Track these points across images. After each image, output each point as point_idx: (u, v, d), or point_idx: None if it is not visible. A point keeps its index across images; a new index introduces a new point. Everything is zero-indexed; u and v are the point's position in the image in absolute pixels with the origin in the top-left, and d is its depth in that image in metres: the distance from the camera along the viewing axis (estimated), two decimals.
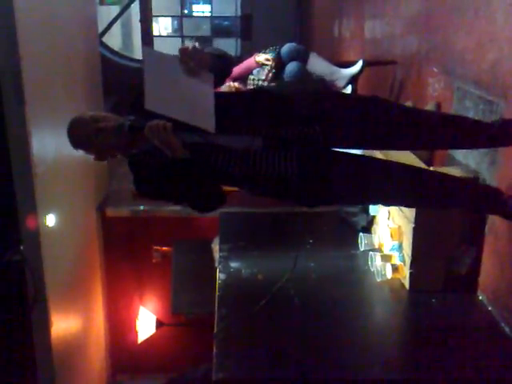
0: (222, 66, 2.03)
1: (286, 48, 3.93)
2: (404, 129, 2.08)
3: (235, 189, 4.17)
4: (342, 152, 2.06)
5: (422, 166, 2.46)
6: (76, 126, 1.92)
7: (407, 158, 2.50)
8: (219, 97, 1.96)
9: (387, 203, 2.39)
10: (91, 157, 2.07)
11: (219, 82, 2.06)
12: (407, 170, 2.16)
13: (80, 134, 1.91)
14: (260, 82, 3.71)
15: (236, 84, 3.85)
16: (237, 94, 2.08)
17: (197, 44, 1.91)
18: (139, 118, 1.89)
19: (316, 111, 2.00)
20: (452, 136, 2.16)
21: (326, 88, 2.16)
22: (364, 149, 2.23)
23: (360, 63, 3.92)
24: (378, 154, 2.45)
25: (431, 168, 2.58)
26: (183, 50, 1.86)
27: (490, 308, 2.47)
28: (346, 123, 2.03)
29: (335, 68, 4.00)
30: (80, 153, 2.02)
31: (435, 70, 3.18)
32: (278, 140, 1.97)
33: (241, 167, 1.95)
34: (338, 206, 3.39)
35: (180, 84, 1.88)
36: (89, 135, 1.89)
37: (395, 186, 2.08)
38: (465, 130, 2.15)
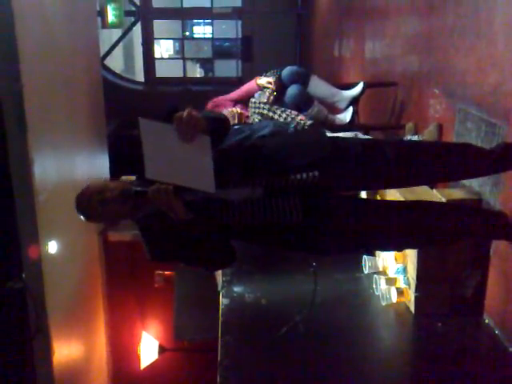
0: (218, 128, 2.07)
1: (287, 71, 3.95)
2: (403, 169, 2.10)
3: None
4: (344, 197, 2.10)
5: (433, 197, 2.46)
6: (82, 200, 1.97)
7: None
8: (217, 153, 2.00)
9: (391, 247, 2.37)
10: (92, 177, 2.10)
11: (218, 142, 2.08)
12: (411, 209, 2.17)
13: (87, 207, 1.96)
14: (262, 105, 3.71)
15: (238, 109, 3.86)
16: (234, 149, 2.12)
17: (192, 111, 1.93)
18: (144, 182, 1.94)
19: (314, 160, 2.03)
20: (453, 171, 2.17)
21: (321, 137, 2.16)
22: (365, 190, 2.24)
23: (361, 85, 3.93)
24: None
25: (434, 192, 2.57)
26: (178, 119, 1.90)
27: (496, 331, 2.44)
28: (344, 169, 2.06)
29: (336, 90, 4.01)
30: (81, 174, 2.06)
31: (436, 91, 3.18)
32: (278, 188, 2.00)
33: (245, 219, 1.98)
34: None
35: (177, 150, 1.94)
36: (95, 207, 1.94)
37: (398, 228, 2.10)
38: (467, 163, 2.15)
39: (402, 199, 2.57)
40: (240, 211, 1.97)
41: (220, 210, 1.97)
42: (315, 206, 2.01)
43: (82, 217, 2.00)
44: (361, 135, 3.27)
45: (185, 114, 1.89)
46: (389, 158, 2.07)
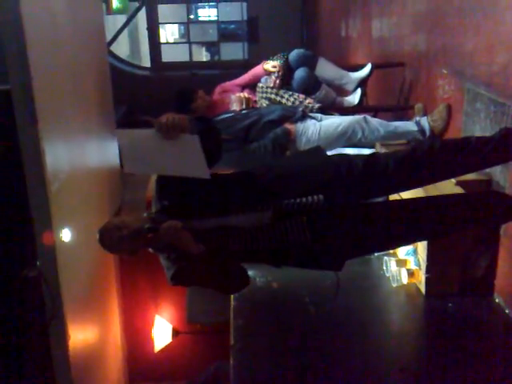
0: (207, 129, 2.13)
1: (294, 54, 3.94)
2: (406, 179, 2.16)
3: None
4: (348, 208, 2.14)
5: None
6: (103, 234, 2.09)
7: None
8: (221, 180, 2.13)
9: (405, 242, 2.43)
10: (105, 172, 2.19)
11: (213, 159, 2.13)
12: (418, 203, 2.20)
13: (107, 241, 2.08)
14: (269, 90, 3.71)
15: (246, 94, 3.86)
16: (233, 177, 2.24)
17: (170, 114, 2.01)
18: (156, 222, 2.03)
19: (315, 185, 2.10)
20: (454, 170, 2.21)
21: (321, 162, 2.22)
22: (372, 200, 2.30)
23: (369, 66, 3.92)
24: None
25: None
26: (158, 124, 1.99)
27: (507, 311, 2.45)
28: (347, 188, 2.12)
29: (344, 72, 4.00)
30: (93, 163, 2.14)
31: (445, 71, 3.16)
32: (285, 210, 2.07)
33: (256, 243, 2.05)
34: None
35: (163, 148, 2.01)
36: (115, 242, 2.06)
37: (409, 224, 2.15)
38: (468, 160, 2.16)
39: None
40: (250, 236, 2.05)
41: (231, 237, 2.05)
42: (322, 220, 2.08)
43: (106, 250, 2.14)
44: (369, 117, 3.26)
45: (165, 117, 1.99)
46: (390, 171, 2.12)
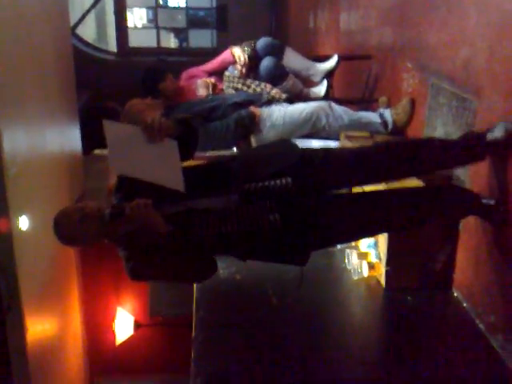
0: (187, 133, 2.09)
1: (262, 43, 3.91)
2: (367, 171, 2.17)
3: None
4: (318, 196, 2.12)
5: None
6: (61, 220, 1.94)
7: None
8: (187, 171, 2.03)
9: (368, 233, 2.40)
10: (66, 159, 2.11)
11: (187, 153, 2.11)
12: (383, 197, 2.21)
13: (64, 226, 1.94)
14: (236, 79, 3.67)
15: (212, 80, 3.81)
16: (202, 166, 2.20)
17: (158, 116, 1.99)
18: (119, 203, 1.97)
19: (282, 168, 2.07)
20: (419, 166, 2.22)
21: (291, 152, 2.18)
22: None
23: (335, 58, 3.91)
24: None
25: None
26: (145, 123, 1.95)
27: (464, 305, 2.49)
28: (313, 175, 2.11)
29: (310, 63, 3.99)
30: (53, 149, 2.05)
31: (409, 65, 3.18)
32: (253, 194, 2.02)
33: (224, 227, 1.98)
34: None
35: (145, 150, 1.98)
36: (74, 226, 1.92)
37: (376, 217, 2.14)
38: (433, 157, 2.18)
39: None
40: (218, 220, 1.98)
41: (199, 221, 1.98)
42: (291, 210, 2.03)
43: (60, 240, 1.98)
44: (334, 105, 3.28)
45: (152, 119, 1.94)
46: (351, 163, 2.13)
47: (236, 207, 2.00)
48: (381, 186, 2.39)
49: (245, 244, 2.05)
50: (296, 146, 2.21)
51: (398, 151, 2.19)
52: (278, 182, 2.03)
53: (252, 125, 3.22)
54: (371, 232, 2.35)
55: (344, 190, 2.39)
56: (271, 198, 2.02)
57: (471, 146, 2.20)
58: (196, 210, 1.99)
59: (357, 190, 2.47)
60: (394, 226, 2.26)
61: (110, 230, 1.96)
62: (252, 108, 3.29)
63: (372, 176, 2.21)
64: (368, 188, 2.41)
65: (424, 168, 2.26)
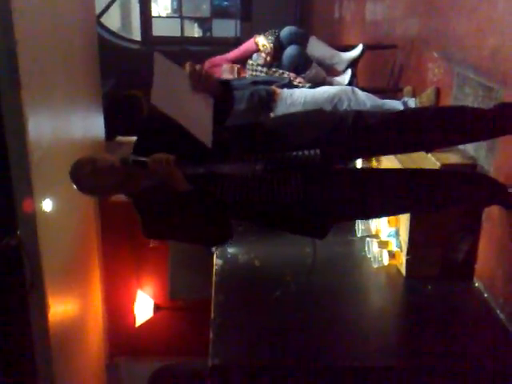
0: (224, 98, 2.09)
1: (286, 31, 3.90)
2: (400, 136, 2.09)
3: None
4: (343, 169, 2.12)
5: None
6: (75, 170, 1.95)
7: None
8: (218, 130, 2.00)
9: (391, 213, 2.39)
10: (89, 144, 2.11)
11: (220, 119, 2.09)
12: (407, 176, 2.17)
13: (80, 176, 1.95)
14: (259, 68, 3.67)
15: (238, 65, 3.81)
16: (230, 129, 2.12)
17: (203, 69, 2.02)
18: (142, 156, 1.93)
19: (314, 139, 2.02)
20: (451, 135, 2.14)
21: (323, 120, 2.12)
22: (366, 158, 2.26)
23: (360, 47, 3.89)
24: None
25: (430, 156, 2.57)
26: (192, 70, 1.97)
27: (486, 295, 2.47)
28: (344, 144, 2.05)
29: (335, 52, 3.97)
30: (77, 133, 2.05)
31: (435, 54, 3.14)
32: (279, 164, 1.99)
33: (244, 195, 1.97)
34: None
35: (185, 95, 1.99)
36: (87, 177, 1.92)
37: (400, 195, 2.10)
38: (464, 125, 2.11)
39: (398, 166, 2.58)
40: (240, 187, 1.96)
41: (220, 185, 1.96)
42: (316, 178, 2.00)
43: (75, 186, 1.98)
44: (357, 90, 3.24)
45: (200, 67, 1.98)
46: (384, 125, 2.05)
47: (260, 176, 1.97)
48: (400, 165, 2.38)
49: (264, 212, 2.02)
50: (328, 114, 2.15)
51: (433, 116, 2.12)
52: (306, 152, 1.99)
53: (271, 101, 3.15)
54: (393, 210, 2.28)
55: (369, 165, 2.35)
56: (296, 169, 1.98)
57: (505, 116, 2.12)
58: (219, 173, 1.96)
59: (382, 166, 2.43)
60: (415, 207, 2.22)
61: (130, 183, 1.94)
62: (273, 87, 3.24)
63: (402, 143, 2.12)
64: (393, 166, 2.39)
65: (456, 137, 2.18)
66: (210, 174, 1.96)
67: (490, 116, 2.11)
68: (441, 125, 2.09)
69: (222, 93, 2.07)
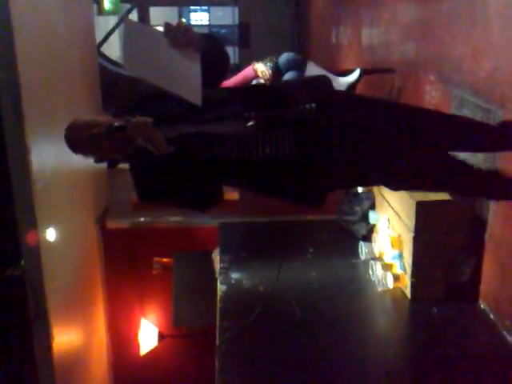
0: (212, 49, 2.01)
1: (284, 58, 3.95)
2: (401, 127, 2.03)
3: (235, 197, 4.08)
4: (341, 129, 1.97)
5: None
6: (71, 132, 1.94)
7: None
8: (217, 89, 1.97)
9: (397, 183, 2.20)
10: (91, 172, 2.10)
11: (214, 77, 2.02)
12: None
13: (75, 139, 1.94)
14: None
15: None
16: (222, 90, 2.07)
17: (184, 23, 1.92)
18: (126, 120, 1.87)
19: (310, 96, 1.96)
20: (457, 137, 2.12)
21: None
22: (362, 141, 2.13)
23: (357, 71, 3.93)
24: None
25: None
26: (167, 27, 1.88)
27: (491, 316, 2.46)
28: (342, 108, 1.98)
29: (333, 76, 3.99)
30: (79, 163, 2.02)
31: (432, 77, 3.18)
32: (273, 121, 1.92)
33: (235, 154, 1.90)
34: (338, 213, 3.39)
35: (164, 56, 1.89)
36: (83, 141, 1.92)
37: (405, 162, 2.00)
38: (470, 133, 2.11)
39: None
40: (230, 144, 1.90)
41: (209, 145, 1.89)
42: (309, 141, 1.92)
43: (69, 148, 1.97)
44: None
45: (178, 23, 1.89)
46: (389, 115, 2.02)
47: (251, 134, 1.90)
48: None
49: (257, 174, 1.94)
50: (329, 81, 2.07)
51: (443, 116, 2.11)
52: (301, 107, 1.91)
53: None
54: (394, 182, 2.15)
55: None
56: (289, 126, 1.91)
57: (506, 134, 2.12)
58: (207, 133, 1.89)
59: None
60: (415, 173, 2.07)
61: (121, 147, 1.90)
62: None
63: (412, 136, 2.03)
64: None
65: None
66: (201, 134, 1.89)
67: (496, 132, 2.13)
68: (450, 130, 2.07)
69: (210, 46, 1.99)
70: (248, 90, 2.06)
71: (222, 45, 2.12)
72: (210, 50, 2.00)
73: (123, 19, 2.16)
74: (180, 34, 1.89)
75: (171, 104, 1.93)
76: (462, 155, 2.33)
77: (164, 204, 2.20)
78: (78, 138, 1.92)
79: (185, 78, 1.88)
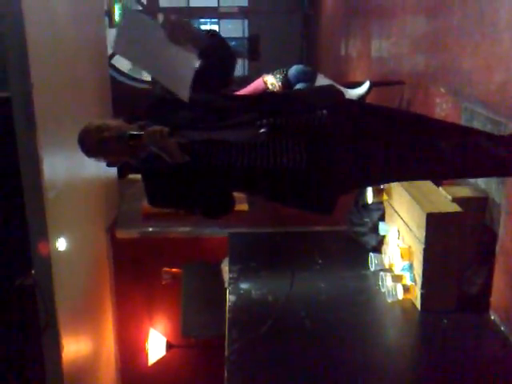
0: (214, 47, 2.03)
1: (294, 70, 3.97)
2: (408, 137, 2.05)
3: (244, 208, 4.10)
4: (350, 137, 2.00)
5: None
6: (83, 136, 1.98)
7: None
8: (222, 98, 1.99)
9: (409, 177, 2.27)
10: (102, 183, 2.12)
11: (220, 76, 2.05)
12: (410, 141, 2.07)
13: (87, 143, 1.98)
14: None
15: None
16: (238, 98, 2.14)
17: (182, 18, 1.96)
18: (142, 126, 1.94)
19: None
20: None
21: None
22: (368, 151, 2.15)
23: (367, 84, 3.94)
24: None
25: (440, 189, 2.58)
26: (166, 19, 1.93)
27: (502, 328, 2.45)
28: (351, 118, 2.01)
29: (342, 89, 4.01)
30: (90, 172, 2.06)
31: (442, 90, 3.19)
32: (284, 128, 1.94)
33: (246, 161, 1.92)
34: (348, 224, 3.39)
35: (159, 46, 1.92)
36: (94, 144, 1.96)
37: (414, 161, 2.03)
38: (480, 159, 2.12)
39: (408, 198, 2.59)
40: (241, 152, 1.92)
41: (221, 153, 1.92)
42: (320, 149, 1.94)
43: (82, 151, 2.01)
44: None
45: (176, 17, 1.93)
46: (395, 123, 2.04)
47: (263, 141, 1.92)
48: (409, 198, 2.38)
49: (267, 182, 1.96)
50: (338, 91, 2.12)
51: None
52: (312, 114, 1.94)
53: None
54: (396, 176, 2.18)
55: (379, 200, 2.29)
56: (300, 135, 1.93)
57: None
58: (219, 141, 1.92)
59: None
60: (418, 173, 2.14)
61: (133, 152, 1.95)
62: None
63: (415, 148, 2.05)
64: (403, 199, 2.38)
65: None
66: (210, 141, 1.92)
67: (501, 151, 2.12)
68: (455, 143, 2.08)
69: (213, 45, 2.01)
70: (261, 96, 2.08)
71: (227, 44, 2.12)
72: (213, 49, 2.02)
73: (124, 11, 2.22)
74: (178, 29, 1.92)
75: (184, 111, 1.97)
76: None
77: (174, 209, 2.21)
78: (90, 142, 1.96)
79: (175, 71, 1.92)
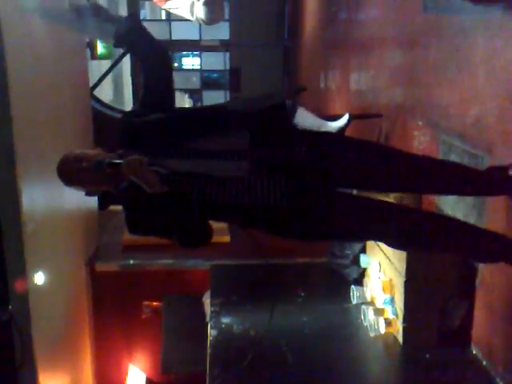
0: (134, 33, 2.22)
1: None
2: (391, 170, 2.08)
3: (226, 240, 4.08)
4: (332, 183, 2.03)
5: None
6: (62, 166, 1.99)
7: None
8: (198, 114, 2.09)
9: (386, 241, 2.23)
10: (82, 214, 2.10)
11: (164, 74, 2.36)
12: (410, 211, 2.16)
13: (66, 173, 1.99)
14: None
15: None
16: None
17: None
18: (121, 154, 1.95)
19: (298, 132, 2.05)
20: (445, 182, 2.16)
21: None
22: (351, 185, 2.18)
23: (346, 116, 4.00)
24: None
25: None
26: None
27: (484, 363, 2.45)
28: (331, 151, 2.03)
29: (322, 121, 4.07)
30: (70, 205, 2.04)
31: (420, 123, 3.24)
32: (265, 164, 1.95)
33: (227, 198, 1.93)
34: (329, 256, 3.39)
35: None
36: (73, 174, 1.97)
37: (393, 224, 2.03)
38: (458, 177, 2.16)
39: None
40: (221, 188, 1.93)
41: (200, 186, 1.93)
42: (302, 191, 1.96)
43: (61, 181, 2.01)
44: None
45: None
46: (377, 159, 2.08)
47: (244, 178, 1.93)
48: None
49: (245, 214, 1.97)
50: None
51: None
52: (292, 150, 1.96)
53: None
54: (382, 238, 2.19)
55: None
56: (282, 172, 1.94)
57: (493, 180, 2.17)
58: (198, 173, 1.93)
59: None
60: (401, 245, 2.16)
61: (112, 181, 1.95)
62: None
63: (401, 177, 2.09)
64: None
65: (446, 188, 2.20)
66: (189, 173, 1.94)
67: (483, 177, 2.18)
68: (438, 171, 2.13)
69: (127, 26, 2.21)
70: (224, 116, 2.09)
71: (150, 35, 2.24)
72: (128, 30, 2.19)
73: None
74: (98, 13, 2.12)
75: (165, 140, 1.99)
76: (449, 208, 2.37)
77: (154, 237, 2.21)
78: (69, 171, 1.97)
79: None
